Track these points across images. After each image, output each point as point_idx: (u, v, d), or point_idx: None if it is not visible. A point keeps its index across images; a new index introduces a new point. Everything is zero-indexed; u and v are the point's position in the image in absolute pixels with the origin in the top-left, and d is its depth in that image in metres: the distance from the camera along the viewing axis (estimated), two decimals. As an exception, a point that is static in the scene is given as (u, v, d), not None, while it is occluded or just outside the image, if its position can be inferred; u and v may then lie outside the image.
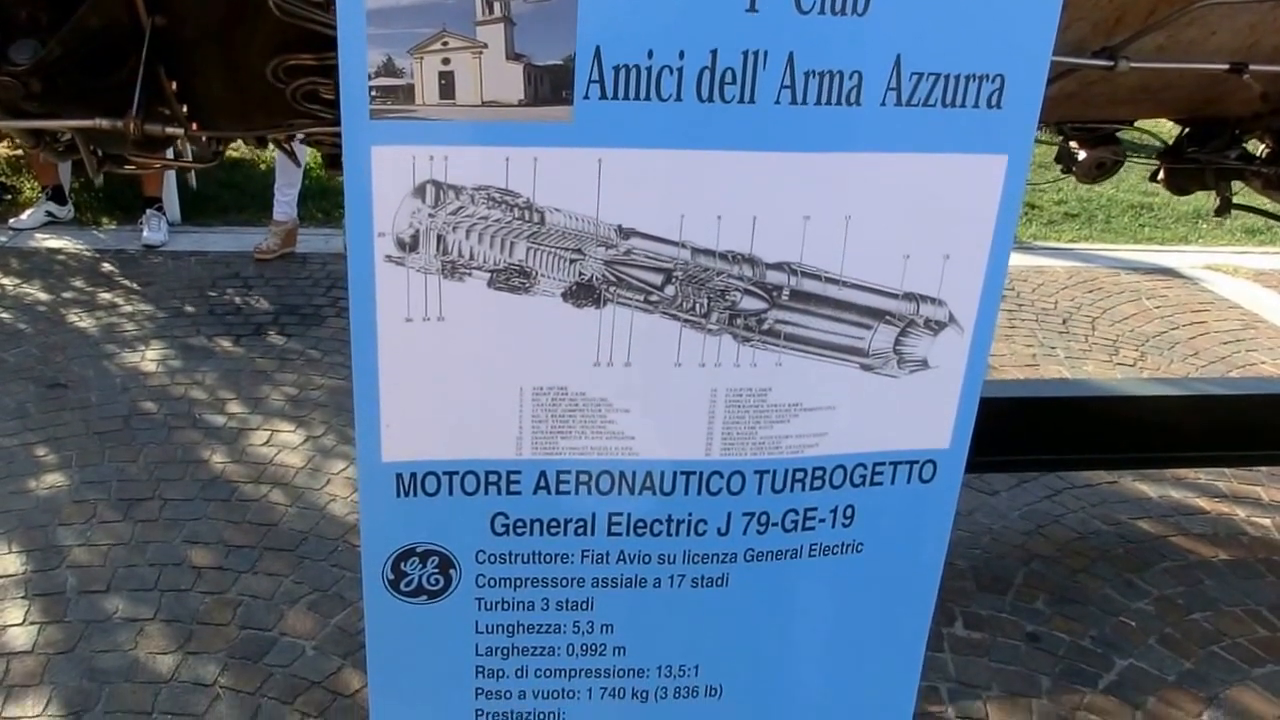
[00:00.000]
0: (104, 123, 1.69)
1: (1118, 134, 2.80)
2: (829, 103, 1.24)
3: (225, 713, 2.34)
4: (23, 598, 2.66)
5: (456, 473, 1.39)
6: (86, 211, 5.51)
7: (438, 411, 1.35)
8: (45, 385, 3.72)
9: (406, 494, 1.39)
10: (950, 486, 1.52)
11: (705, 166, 1.26)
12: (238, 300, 4.52)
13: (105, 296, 4.50)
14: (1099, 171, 2.85)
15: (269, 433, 3.50)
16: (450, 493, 1.40)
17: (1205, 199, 6.10)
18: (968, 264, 1.38)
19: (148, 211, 5.16)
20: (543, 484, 1.41)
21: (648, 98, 1.22)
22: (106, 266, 4.84)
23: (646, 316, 1.34)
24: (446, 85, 1.20)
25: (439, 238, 1.27)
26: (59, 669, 2.43)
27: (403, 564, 1.44)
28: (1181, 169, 2.68)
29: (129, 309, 4.38)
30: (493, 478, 1.40)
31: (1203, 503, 3.27)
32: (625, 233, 1.29)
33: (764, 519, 1.46)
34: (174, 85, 1.77)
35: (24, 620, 2.58)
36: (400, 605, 1.46)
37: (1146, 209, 6.38)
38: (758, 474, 1.43)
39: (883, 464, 1.48)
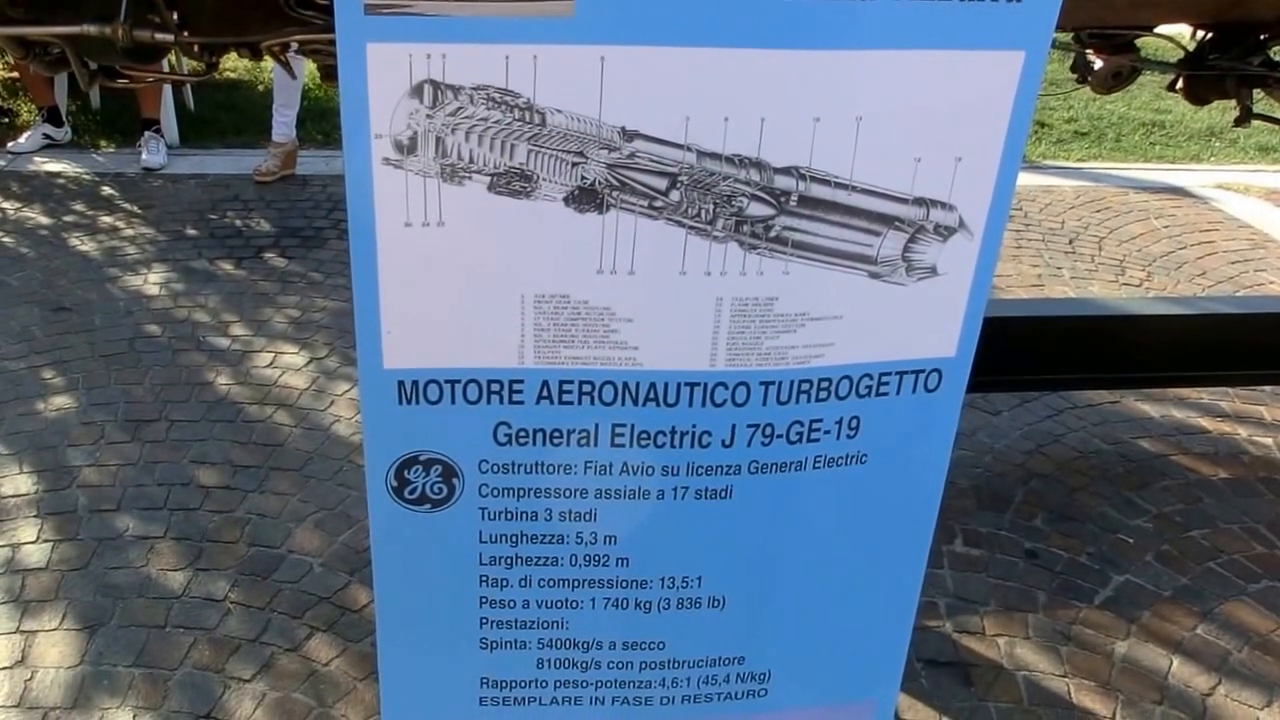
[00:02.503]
0: (91, 29, 1.65)
1: (1135, 42, 2.74)
2: (839, -2, 1.20)
3: (236, 626, 2.36)
4: (35, 516, 2.68)
5: (458, 381, 1.38)
6: (84, 134, 5.46)
7: (439, 319, 1.33)
8: (50, 309, 3.71)
9: (409, 401, 1.37)
10: (955, 395, 1.50)
11: (711, 65, 1.22)
12: (238, 223, 4.49)
13: (106, 220, 4.47)
14: (1115, 81, 2.79)
15: (272, 354, 3.49)
16: (453, 401, 1.38)
17: (1220, 115, 6.05)
18: (979, 167, 1.34)
19: (146, 134, 5.10)
20: (545, 394, 1.39)
21: (652, -8, 1.18)
22: (106, 190, 4.80)
23: (650, 223, 1.31)
24: (444, -21, 1.16)
25: (438, 139, 1.23)
26: (73, 585, 2.45)
27: (406, 472, 1.43)
28: (1201, 77, 2.61)
29: (130, 232, 4.36)
30: (495, 387, 1.39)
31: (1205, 422, 3.25)
32: (629, 135, 1.26)
33: (769, 431, 1.44)
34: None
35: (37, 538, 2.61)
36: (404, 513, 1.45)
37: (1159, 126, 6.28)
38: (763, 385, 1.41)
39: (889, 374, 1.46)
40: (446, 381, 1.37)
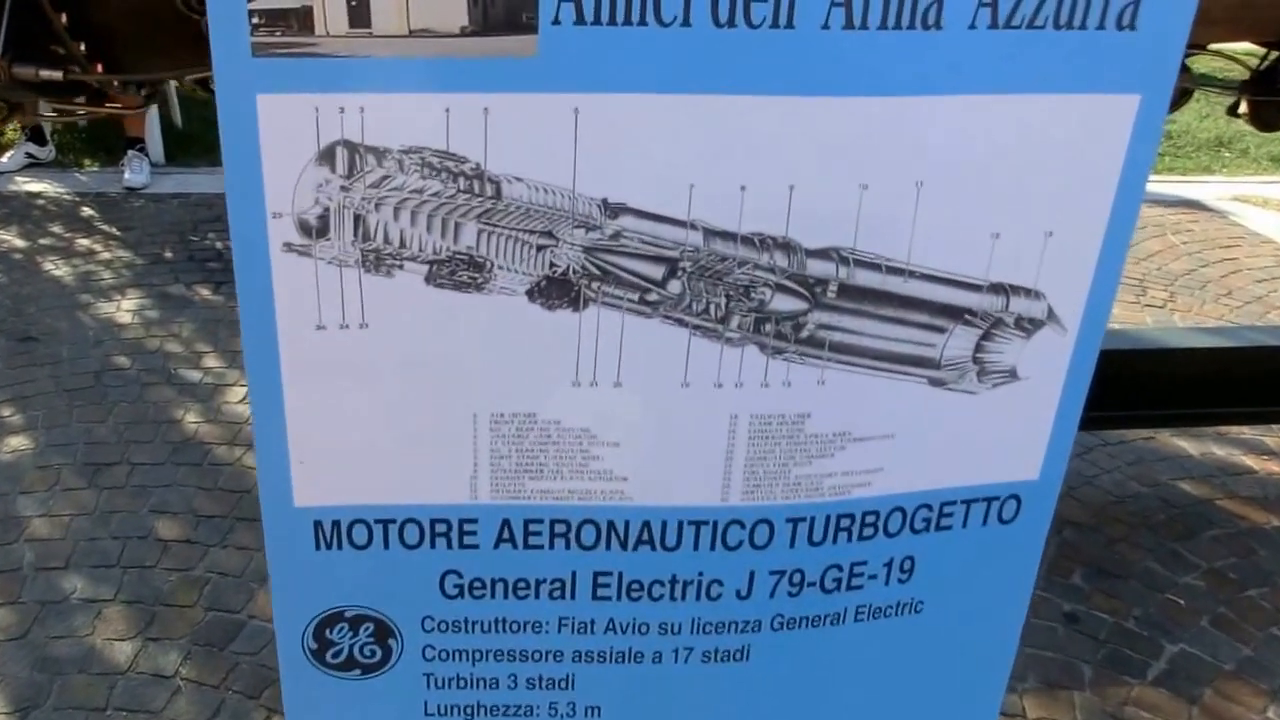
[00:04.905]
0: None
1: (1186, 61, 2.46)
2: (898, 26, 0.90)
3: (185, 709, 2.12)
4: None
5: (393, 521, 1.06)
6: (69, 153, 5.29)
7: (365, 445, 1.02)
8: (15, 339, 3.49)
9: (328, 546, 1.07)
10: (1037, 527, 1.19)
11: (723, 118, 0.91)
12: (219, 245, 4.28)
13: (83, 242, 4.28)
14: None
15: (245, 388, 3.24)
16: (386, 545, 1.07)
17: (1228, 125, 5.75)
18: (1076, 243, 1.04)
19: (129, 153, 4.93)
20: (506, 535, 1.08)
21: (642, 21, 0.87)
22: (86, 210, 4.62)
23: (643, 322, 0.99)
24: (359, 8, 0.85)
25: (357, 218, 0.92)
26: (8, 657, 2.22)
27: (328, 631, 1.12)
28: (1272, 101, 2.39)
29: (107, 256, 4.16)
30: (441, 528, 1.07)
31: (1250, 460, 2.97)
32: (613, 209, 0.94)
33: (797, 578, 1.12)
34: (64, 18, 1.44)
35: None
36: (326, 680, 1.14)
37: (1166, 137, 5.97)
38: (790, 523, 1.09)
39: (952, 504, 1.14)
40: (377, 522, 1.06)
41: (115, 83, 1.59)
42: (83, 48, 1.48)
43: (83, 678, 2.17)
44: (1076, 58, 0.94)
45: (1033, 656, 2.28)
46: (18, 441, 2.92)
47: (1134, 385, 2.59)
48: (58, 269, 4.02)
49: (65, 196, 4.79)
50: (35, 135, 5.11)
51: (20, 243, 4.25)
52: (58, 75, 1.37)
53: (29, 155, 5.10)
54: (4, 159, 5.08)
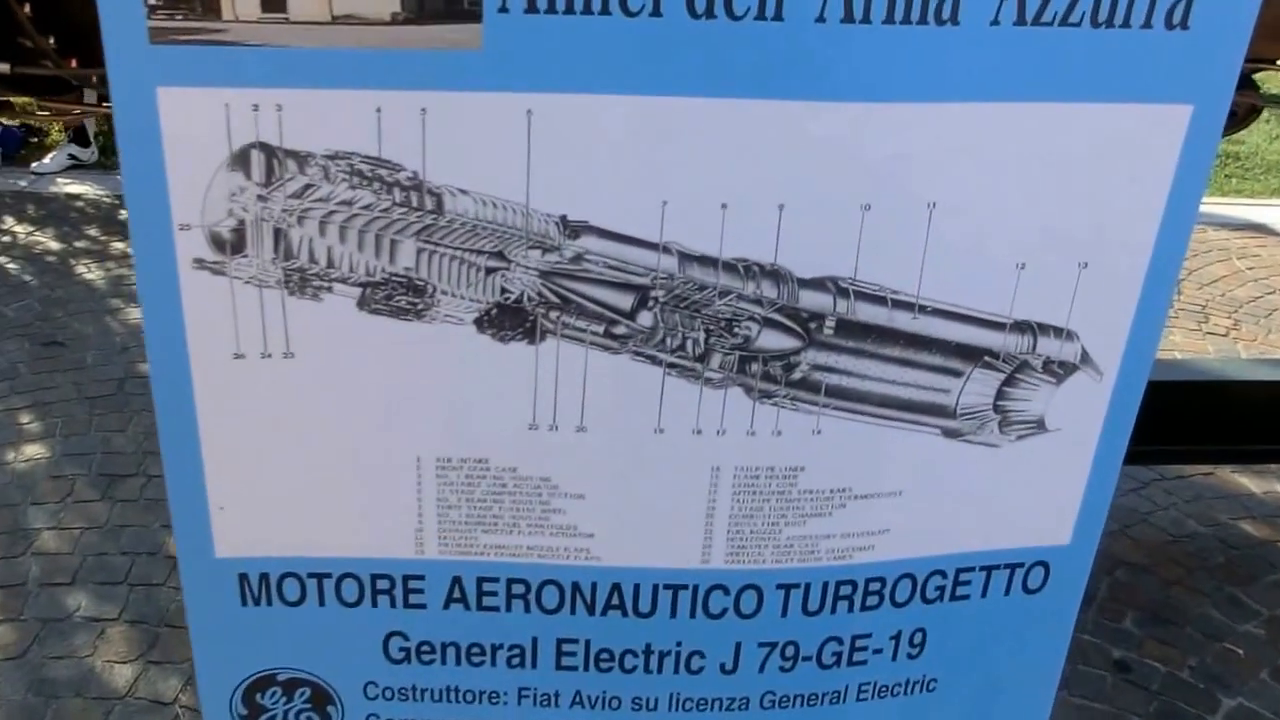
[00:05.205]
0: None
1: (1255, 78, 2.30)
2: (906, 20, 0.77)
3: None
4: None
5: (328, 575, 0.94)
6: (112, 154, 5.29)
7: (293, 490, 0.90)
8: (41, 343, 3.45)
9: (256, 602, 0.95)
10: (1068, 598, 1.04)
11: (700, 125, 0.78)
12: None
13: (118, 246, 4.25)
14: (1229, 123, 2.35)
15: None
16: (321, 602, 0.95)
17: None
18: (1116, 275, 0.90)
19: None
20: (457, 595, 0.95)
21: (605, 9, 0.75)
22: (124, 213, 4.56)
23: (609, 359, 0.86)
24: (276, -12, 0.74)
25: (277, 233, 0.80)
26: (5, 678, 2.15)
27: (259, 695, 1.00)
28: None
29: None
30: (383, 584, 0.95)
31: None
32: (573, 228, 0.82)
33: (790, 651, 0.98)
34: (27, 9, 1.35)
35: None
36: (260, 751, 1.02)
37: (1233, 158, 5.78)
38: (782, 589, 0.95)
39: (969, 570, 1.00)
40: (311, 576, 0.94)
41: (93, 78, 1.50)
42: (53, 42, 1.39)
43: (79, 701, 2.10)
44: (1118, 61, 0.81)
45: (1080, 707, 2.15)
46: (34, 450, 2.88)
47: (1194, 418, 2.45)
48: (90, 272, 4.02)
49: (105, 199, 4.81)
50: (78, 136, 5.13)
51: (55, 245, 4.26)
52: (4, 68, 1.28)
53: (71, 157, 5.11)
54: (46, 160, 5.09)
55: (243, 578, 0.93)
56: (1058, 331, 0.91)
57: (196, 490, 0.89)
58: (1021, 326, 0.90)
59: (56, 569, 2.43)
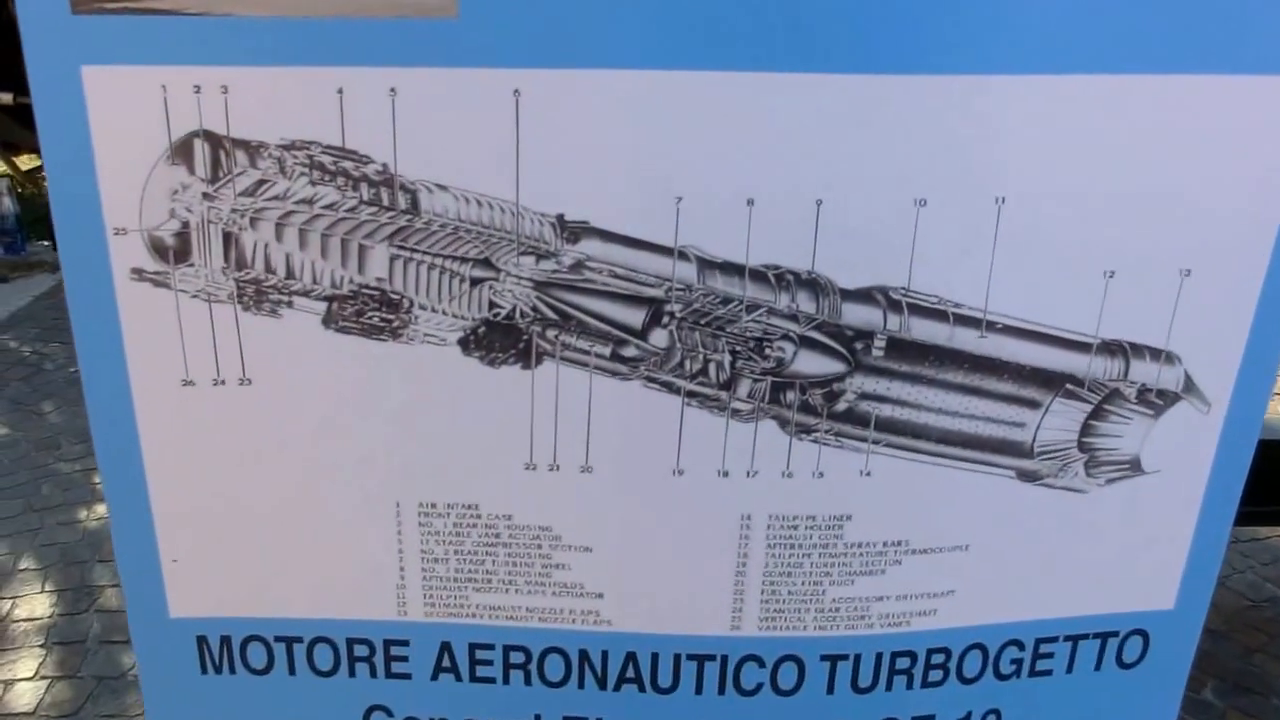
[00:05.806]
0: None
1: None
2: (964, -25, 0.63)
3: None
4: (40, 646, 2.43)
5: (299, 639, 0.81)
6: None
7: (256, 540, 0.78)
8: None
9: (217, 669, 0.82)
10: (1173, 672, 0.88)
11: (720, 104, 0.66)
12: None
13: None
14: None
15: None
16: (292, 671, 0.82)
17: None
18: (1226, 285, 0.74)
19: None
20: (446, 663, 0.82)
21: (602, -33, 0.63)
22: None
23: (618, 385, 0.73)
24: (222, -50, 0.63)
25: (227, 237, 0.69)
26: None
27: (225, 778, 0.87)
28: None
29: None
30: (361, 650, 0.82)
31: None
32: (572, 230, 0.69)
33: (838, 735, 0.83)
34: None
35: (35, 674, 2.34)
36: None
37: None
38: (827, 661, 0.81)
39: (1051, 640, 0.84)
40: (279, 640, 0.81)
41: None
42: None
43: (126, 760, 2.11)
44: (1225, 24, 0.67)
45: (1160, 788, 2.00)
46: (105, 509, 2.92)
47: (1271, 475, 2.28)
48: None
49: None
50: None
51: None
52: (7, 98, 1.19)
53: None
54: None
55: (201, 640, 0.81)
56: (1155, 353, 0.76)
57: (146, 540, 0.77)
58: (1111, 347, 0.75)
59: (116, 627, 2.45)
